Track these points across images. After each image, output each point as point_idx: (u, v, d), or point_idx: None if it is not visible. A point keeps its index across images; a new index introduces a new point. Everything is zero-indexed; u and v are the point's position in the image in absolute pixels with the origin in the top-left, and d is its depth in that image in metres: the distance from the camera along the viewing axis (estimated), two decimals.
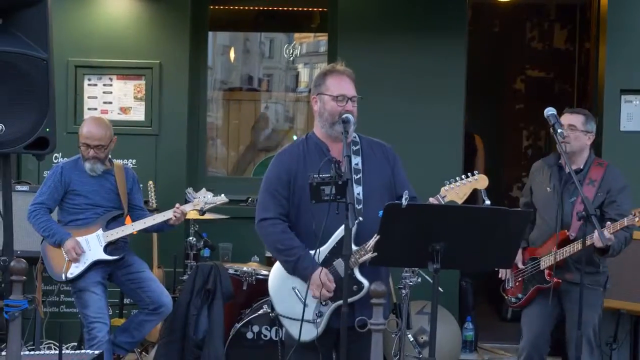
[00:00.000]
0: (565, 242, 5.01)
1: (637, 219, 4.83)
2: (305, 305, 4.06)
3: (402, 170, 4.35)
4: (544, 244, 5.15)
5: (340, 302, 4.00)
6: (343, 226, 3.81)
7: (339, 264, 4.06)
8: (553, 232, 5.08)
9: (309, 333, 4.10)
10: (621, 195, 5.06)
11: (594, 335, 5.12)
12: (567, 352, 5.25)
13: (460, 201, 4.13)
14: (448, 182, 4.15)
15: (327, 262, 4.11)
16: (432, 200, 4.11)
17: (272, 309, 4.28)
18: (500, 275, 5.38)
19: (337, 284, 4.05)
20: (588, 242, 4.70)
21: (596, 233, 4.64)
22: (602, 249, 4.79)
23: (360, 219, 4.02)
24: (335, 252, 4.08)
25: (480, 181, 4.18)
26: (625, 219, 4.83)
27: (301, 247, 4.10)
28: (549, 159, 5.34)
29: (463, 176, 4.19)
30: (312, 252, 4.06)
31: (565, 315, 5.17)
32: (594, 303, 5.05)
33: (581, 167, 5.10)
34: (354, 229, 3.92)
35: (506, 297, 5.39)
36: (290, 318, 4.16)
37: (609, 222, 4.83)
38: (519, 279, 5.27)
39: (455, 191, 4.14)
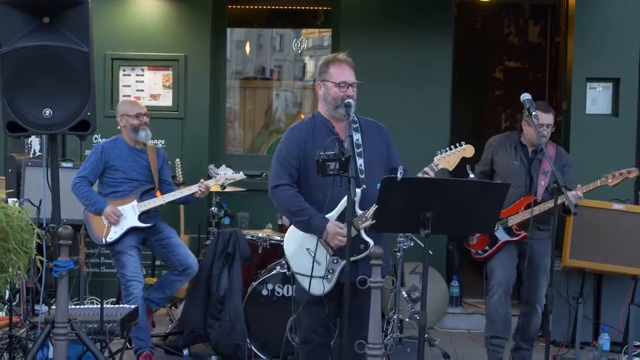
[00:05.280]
0: (529, 205, 5.17)
1: (609, 180, 5.14)
2: (315, 260, 4.08)
3: (395, 146, 4.38)
4: (511, 206, 5.27)
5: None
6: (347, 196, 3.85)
7: None
8: (521, 196, 5.28)
9: (322, 287, 4.12)
10: (570, 169, 5.36)
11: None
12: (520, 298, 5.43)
13: (451, 168, 4.18)
14: (439, 152, 4.17)
15: None
16: (427, 169, 4.13)
17: (289, 268, 4.28)
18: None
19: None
20: (559, 202, 4.82)
21: (570, 194, 4.81)
22: (567, 209, 4.86)
23: (364, 186, 4.07)
24: (342, 217, 4.09)
25: (467, 150, 4.20)
26: (599, 180, 5.15)
27: (311, 208, 4.12)
28: (510, 137, 5.47)
29: (452, 146, 4.21)
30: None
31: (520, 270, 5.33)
32: (549, 254, 5.12)
33: (541, 147, 5.15)
34: (358, 195, 4.01)
35: (472, 251, 5.45)
36: (306, 275, 4.15)
37: (579, 185, 5.09)
38: (483, 235, 5.34)
39: (447, 159, 4.16)
